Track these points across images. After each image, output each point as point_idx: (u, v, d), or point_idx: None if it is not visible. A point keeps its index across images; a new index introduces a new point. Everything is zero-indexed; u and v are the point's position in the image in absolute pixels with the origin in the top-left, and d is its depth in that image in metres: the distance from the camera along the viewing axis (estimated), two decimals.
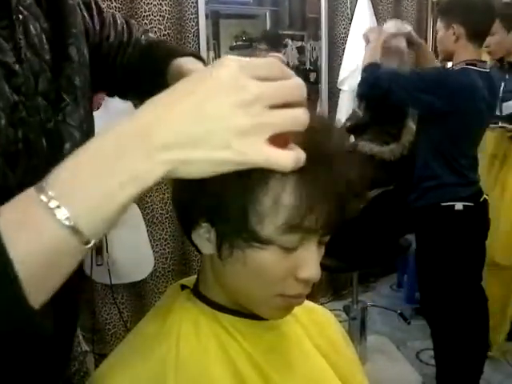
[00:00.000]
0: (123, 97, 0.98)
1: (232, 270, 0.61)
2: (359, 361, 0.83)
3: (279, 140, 0.44)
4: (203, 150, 0.42)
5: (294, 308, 0.67)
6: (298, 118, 0.44)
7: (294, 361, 0.69)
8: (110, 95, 0.99)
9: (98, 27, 0.83)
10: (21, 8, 0.62)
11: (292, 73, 0.46)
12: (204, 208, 0.59)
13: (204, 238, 0.61)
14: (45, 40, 0.66)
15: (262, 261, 0.58)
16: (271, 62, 0.45)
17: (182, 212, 0.64)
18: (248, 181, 0.54)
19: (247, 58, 0.44)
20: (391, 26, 2.14)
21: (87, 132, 0.71)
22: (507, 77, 2.52)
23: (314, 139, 0.55)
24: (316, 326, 0.76)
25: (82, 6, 0.77)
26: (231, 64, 0.43)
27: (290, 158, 0.44)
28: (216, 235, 0.60)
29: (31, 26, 0.64)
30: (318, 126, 0.57)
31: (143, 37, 0.91)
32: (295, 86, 0.45)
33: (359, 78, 2.12)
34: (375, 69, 2.01)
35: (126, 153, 0.42)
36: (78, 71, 0.70)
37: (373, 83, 2.00)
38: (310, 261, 0.60)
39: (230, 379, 0.62)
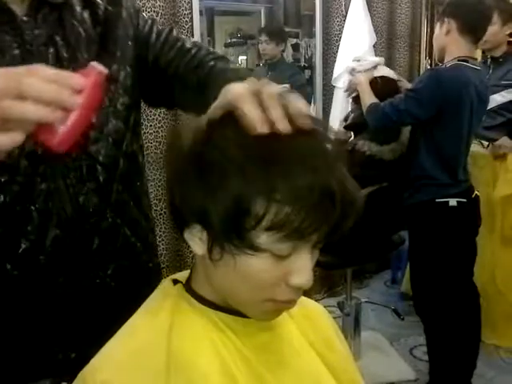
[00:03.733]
0: (170, 107, 1.14)
1: (222, 273, 0.61)
2: (353, 357, 0.83)
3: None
4: None
5: (283, 311, 0.66)
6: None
7: (286, 359, 0.68)
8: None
9: (157, 44, 0.95)
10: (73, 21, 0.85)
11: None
12: (195, 212, 0.58)
13: (196, 237, 0.61)
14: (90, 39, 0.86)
15: (253, 267, 0.58)
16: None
17: (175, 212, 0.63)
18: (238, 187, 0.54)
19: None
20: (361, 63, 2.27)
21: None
22: (490, 71, 2.58)
23: (307, 144, 0.56)
24: (308, 320, 0.76)
25: (139, 21, 0.94)
26: None
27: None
28: (207, 237, 0.59)
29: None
30: (309, 131, 0.57)
31: (212, 62, 0.93)
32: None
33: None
34: (378, 107, 2.06)
35: None
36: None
37: (382, 122, 2.06)
38: (302, 268, 0.59)
39: (220, 376, 0.61)
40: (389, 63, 3.24)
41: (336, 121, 2.69)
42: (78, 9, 0.86)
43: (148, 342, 0.64)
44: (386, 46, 3.21)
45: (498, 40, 2.54)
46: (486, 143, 2.55)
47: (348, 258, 2.23)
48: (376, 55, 2.99)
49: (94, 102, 0.58)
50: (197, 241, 0.61)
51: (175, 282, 0.71)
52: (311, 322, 0.76)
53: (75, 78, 0.56)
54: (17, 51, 0.78)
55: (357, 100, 2.25)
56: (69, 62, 0.82)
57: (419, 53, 3.43)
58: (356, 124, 2.27)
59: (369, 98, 2.12)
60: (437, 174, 2.03)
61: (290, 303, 0.64)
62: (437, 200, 2.03)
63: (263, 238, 0.56)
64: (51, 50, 0.81)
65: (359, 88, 2.18)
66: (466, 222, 2.07)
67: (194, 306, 0.66)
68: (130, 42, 0.91)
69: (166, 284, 0.71)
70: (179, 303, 0.67)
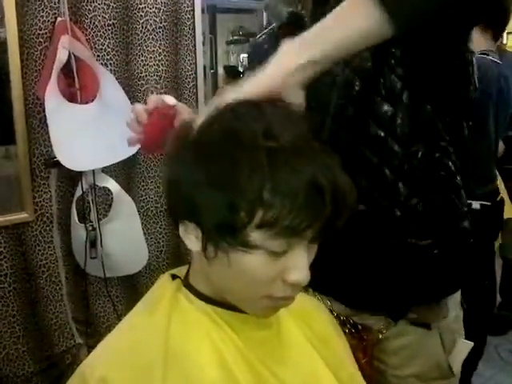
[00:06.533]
0: None
1: (218, 270, 0.61)
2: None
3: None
4: None
5: (281, 308, 0.66)
6: None
7: (284, 354, 0.68)
8: None
9: None
10: None
11: None
12: (188, 210, 0.58)
13: (192, 234, 0.61)
14: None
15: (247, 264, 0.57)
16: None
17: (171, 209, 0.64)
18: (229, 184, 0.54)
19: None
20: None
21: None
22: None
23: (293, 142, 0.55)
24: (306, 317, 0.76)
25: None
26: None
27: None
28: (202, 234, 0.59)
29: None
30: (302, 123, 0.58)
31: None
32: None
33: None
34: None
35: None
36: None
37: None
38: (298, 264, 0.58)
39: (217, 369, 0.61)
40: None
41: None
42: None
43: (146, 336, 0.64)
44: None
45: None
46: None
47: None
48: None
49: (159, 128, 0.76)
50: (192, 238, 0.61)
51: (174, 277, 0.71)
52: (309, 319, 0.76)
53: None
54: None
55: None
56: None
57: None
58: None
59: None
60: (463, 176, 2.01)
61: (288, 300, 0.63)
62: None
63: (255, 236, 0.55)
64: None
65: None
66: (487, 226, 2.02)
67: (192, 301, 0.66)
68: None
69: (164, 279, 0.72)
70: (177, 298, 0.67)
